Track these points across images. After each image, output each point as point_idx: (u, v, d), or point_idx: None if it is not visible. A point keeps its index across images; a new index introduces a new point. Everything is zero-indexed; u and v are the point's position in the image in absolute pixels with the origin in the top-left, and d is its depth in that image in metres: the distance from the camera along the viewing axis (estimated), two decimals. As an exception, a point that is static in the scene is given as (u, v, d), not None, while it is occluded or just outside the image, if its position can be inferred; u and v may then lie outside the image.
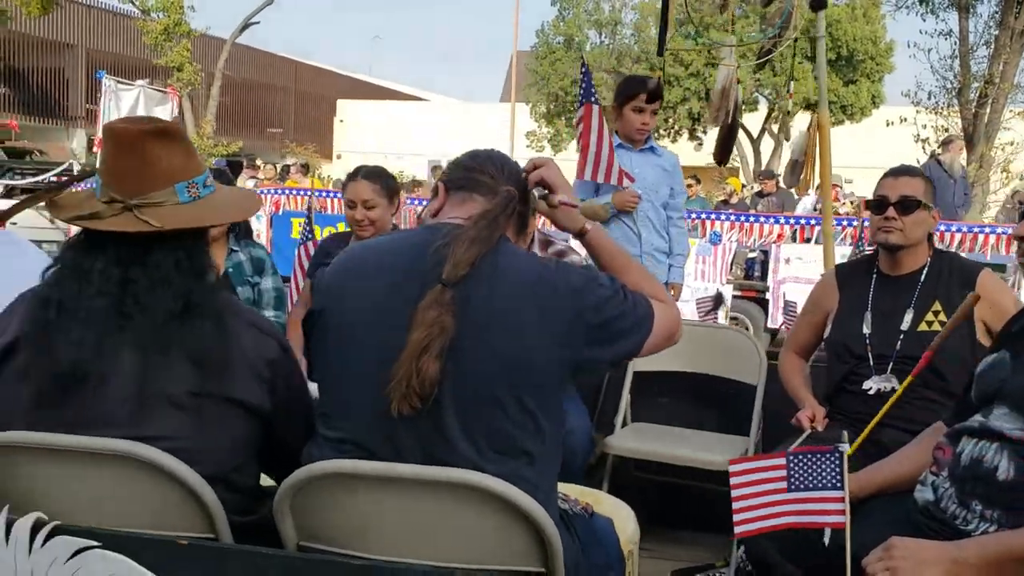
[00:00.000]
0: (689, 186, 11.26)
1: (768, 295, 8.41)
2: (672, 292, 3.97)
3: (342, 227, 7.85)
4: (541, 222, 3.24)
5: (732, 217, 9.15)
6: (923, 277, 2.80)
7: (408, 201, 9.18)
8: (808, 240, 8.75)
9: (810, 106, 23.85)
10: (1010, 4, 14.34)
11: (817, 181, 4.27)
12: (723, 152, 4.64)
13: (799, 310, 3.33)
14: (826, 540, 1.69)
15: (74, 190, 1.85)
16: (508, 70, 37.49)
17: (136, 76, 13.33)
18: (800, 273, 8.18)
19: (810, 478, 1.53)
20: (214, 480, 1.64)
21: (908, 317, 2.75)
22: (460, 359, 1.61)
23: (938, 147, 11.22)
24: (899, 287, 2.81)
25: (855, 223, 7.94)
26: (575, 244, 2.38)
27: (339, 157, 33.29)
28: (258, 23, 22.42)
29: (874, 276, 2.88)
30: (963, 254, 6.83)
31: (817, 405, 2.82)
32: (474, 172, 1.88)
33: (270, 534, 1.69)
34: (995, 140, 15.11)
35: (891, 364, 2.72)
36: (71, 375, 1.64)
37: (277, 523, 1.65)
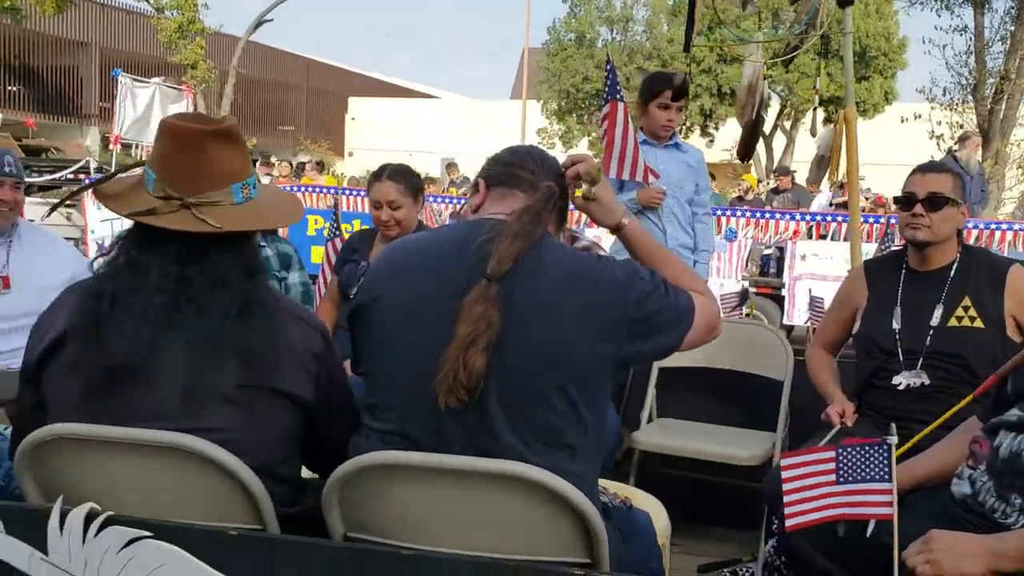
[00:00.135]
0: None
1: (784, 292, 8.39)
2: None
3: (358, 224, 7.90)
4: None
5: (748, 213, 9.14)
6: (952, 273, 2.80)
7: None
8: (824, 236, 8.74)
9: (823, 102, 23.85)
10: (1027, -1, 14.28)
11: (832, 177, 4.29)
12: (747, 149, 4.64)
13: (825, 306, 3.33)
14: (869, 531, 1.71)
15: (120, 177, 1.85)
16: (519, 67, 37.46)
17: (150, 74, 13.35)
18: (816, 270, 8.15)
19: (859, 470, 1.54)
20: (261, 472, 1.66)
21: (938, 313, 2.76)
22: (505, 353, 1.62)
23: (954, 144, 11.18)
24: (928, 283, 2.82)
25: (880, 220, 7.89)
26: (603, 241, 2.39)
27: (351, 154, 33.36)
28: (271, 20, 22.39)
29: (903, 272, 2.88)
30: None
31: (846, 401, 2.83)
32: (514, 168, 1.90)
33: (314, 525, 1.71)
34: (1011, 136, 15.05)
35: (921, 360, 2.73)
36: (123, 369, 1.65)
37: (325, 514, 1.66)
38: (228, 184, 1.73)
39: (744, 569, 3.22)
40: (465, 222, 1.88)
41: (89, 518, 1.56)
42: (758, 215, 9.05)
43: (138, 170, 1.83)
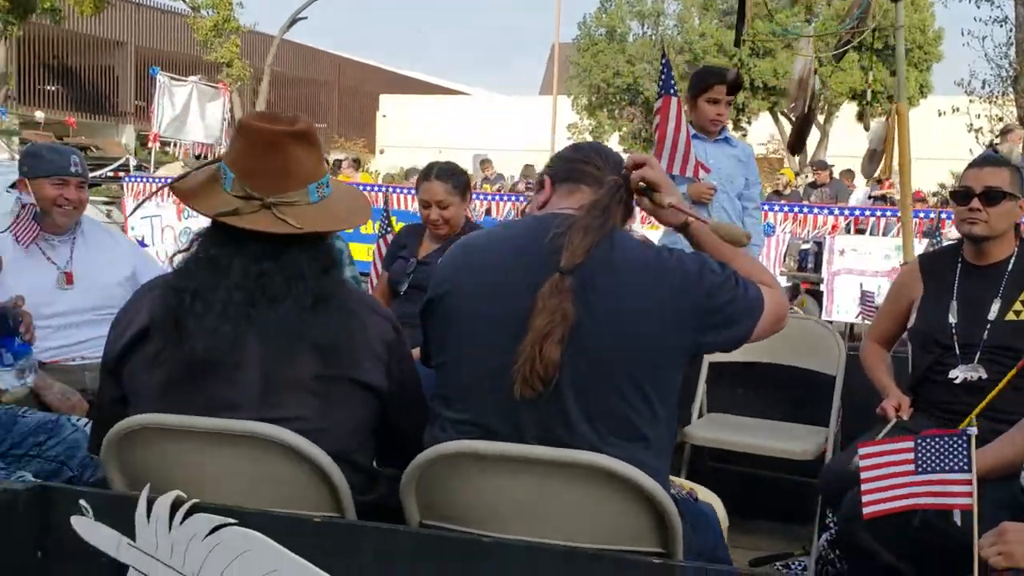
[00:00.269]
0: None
1: (822, 287, 8.33)
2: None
3: (394, 221, 7.93)
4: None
5: (786, 208, 9.06)
6: (1010, 267, 2.79)
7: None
8: (862, 231, 8.66)
9: (855, 96, 23.60)
10: (1068, -11, 14.06)
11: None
12: (799, 141, 4.63)
13: (877, 300, 3.32)
14: (957, 520, 1.72)
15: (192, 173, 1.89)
16: (549, 62, 37.44)
17: (185, 72, 13.49)
18: (855, 265, 8.06)
19: (938, 461, 1.55)
20: (338, 459, 1.70)
21: (995, 307, 2.74)
22: (579, 345, 1.65)
23: (996, 137, 11.04)
24: (985, 277, 2.80)
25: (931, 215, 7.78)
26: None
27: (382, 152, 33.51)
28: (305, 18, 22.49)
29: (959, 265, 2.87)
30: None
31: (902, 395, 2.82)
32: (579, 163, 1.93)
33: (389, 513, 1.75)
34: (1052, 129, 14.81)
35: (978, 354, 2.72)
36: (205, 363, 1.70)
37: (403, 501, 1.70)
38: (306, 184, 1.77)
39: (796, 563, 3.23)
40: (534, 217, 1.90)
41: (175, 506, 1.60)
42: (796, 210, 8.97)
43: (211, 167, 1.87)
